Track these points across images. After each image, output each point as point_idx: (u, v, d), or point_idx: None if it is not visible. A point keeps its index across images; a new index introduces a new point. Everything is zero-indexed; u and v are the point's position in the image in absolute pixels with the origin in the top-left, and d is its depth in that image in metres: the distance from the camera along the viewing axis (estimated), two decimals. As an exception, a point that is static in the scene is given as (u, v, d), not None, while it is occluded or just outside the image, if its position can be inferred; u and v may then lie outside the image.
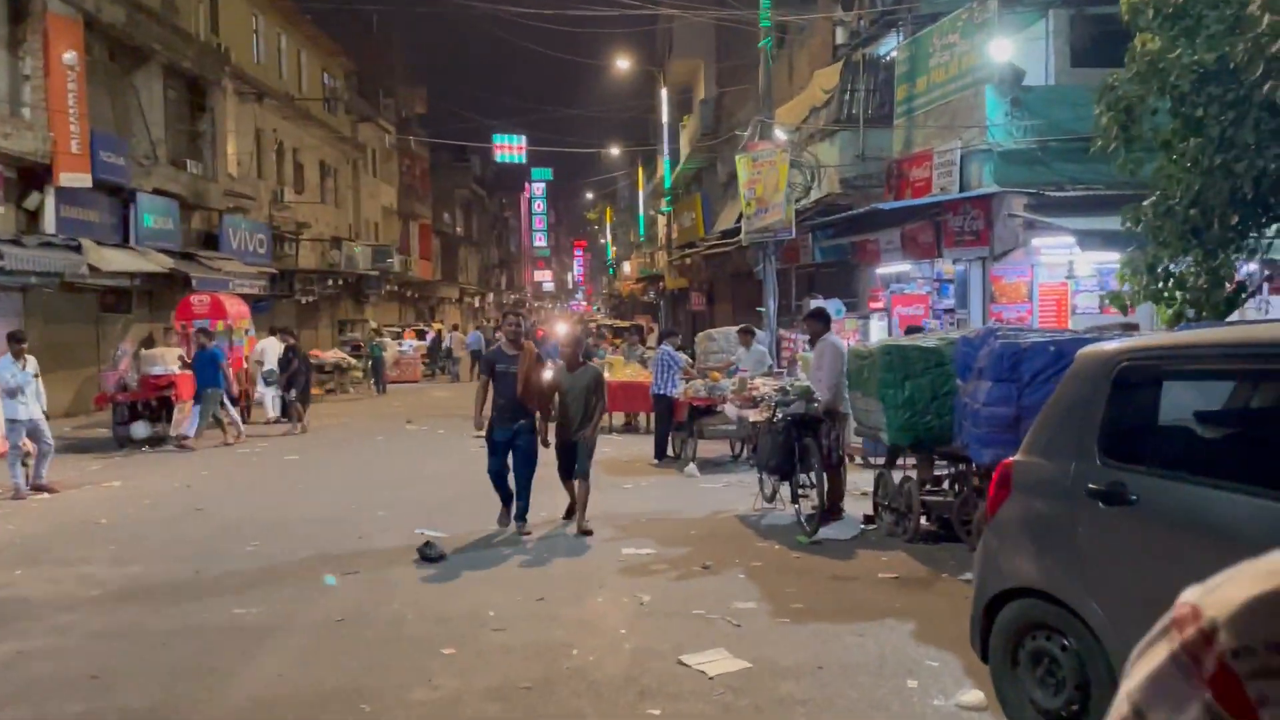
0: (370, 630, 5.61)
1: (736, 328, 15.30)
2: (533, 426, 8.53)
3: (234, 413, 15.55)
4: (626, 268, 55.82)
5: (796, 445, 7.85)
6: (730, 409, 9.98)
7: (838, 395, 8.27)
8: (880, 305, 15.17)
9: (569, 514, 8.86)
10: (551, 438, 8.57)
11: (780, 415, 7.97)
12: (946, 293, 16.07)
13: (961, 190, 13.78)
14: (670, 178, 33.83)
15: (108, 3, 20.03)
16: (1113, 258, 13.45)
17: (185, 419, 15.24)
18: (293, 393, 16.78)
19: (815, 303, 16.08)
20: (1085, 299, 13.82)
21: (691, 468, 11.35)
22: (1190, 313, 7.56)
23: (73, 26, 18.82)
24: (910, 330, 12.29)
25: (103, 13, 19.81)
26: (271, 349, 17.97)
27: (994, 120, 13.50)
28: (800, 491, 8.16)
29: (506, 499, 8.59)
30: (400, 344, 29.77)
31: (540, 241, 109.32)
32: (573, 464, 8.62)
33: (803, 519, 8.05)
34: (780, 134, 16.83)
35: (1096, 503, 3.57)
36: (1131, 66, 7.35)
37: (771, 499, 8.81)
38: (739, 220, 21.88)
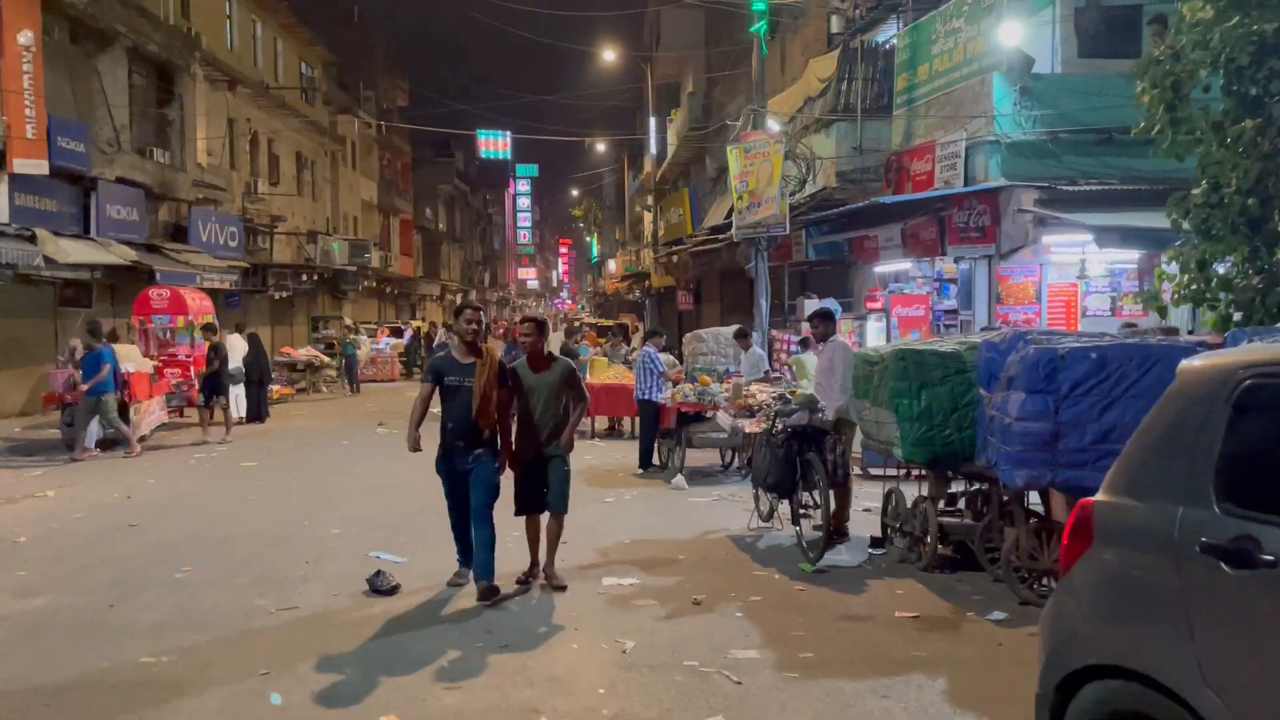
0: (299, 688, 4.73)
1: (728, 329, 14.48)
2: (495, 453, 6.56)
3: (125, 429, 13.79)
4: (612, 265, 54.95)
5: (798, 460, 7.01)
6: (724, 418, 9.09)
7: (848, 404, 7.44)
8: (878, 306, 14.36)
9: (525, 577, 6.67)
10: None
11: (780, 426, 7.13)
12: (947, 293, 15.29)
13: (966, 184, 13.00)
14: (656, 173, 33.00)
15: (67, -19, 19.01)
16: (1129, 257, 12.74)
17: (143, 420, 14.30)
18: (217, 398, 15.21)
19: (811, 302, 15.27)
20: (1096, 300, 13.07)
21: (679, 479, 10.49)
22: (1237, 316, 6.78)
23: (29, 6, 17.77)
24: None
25: (61, -9, 18.79)
26: (237, 347, 17.01)
27: (1002, 110, 12.73)
28: (802, 511, 7.32)
29: (467, 550, 6.62)
30: (375, 342, 28.77)
31: (525, 239, 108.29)
32: (538, 493, 6.58)
33: (804, 543, 7.21)
34: (774, 125, 16.01)
35: (1215, 562, 2.74)
36: (1179, 39, 6.54)
37: (768, 518, 7.98)
38: (729, 216, 21.05)
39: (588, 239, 78.62)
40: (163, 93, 24.09)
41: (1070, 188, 11.95)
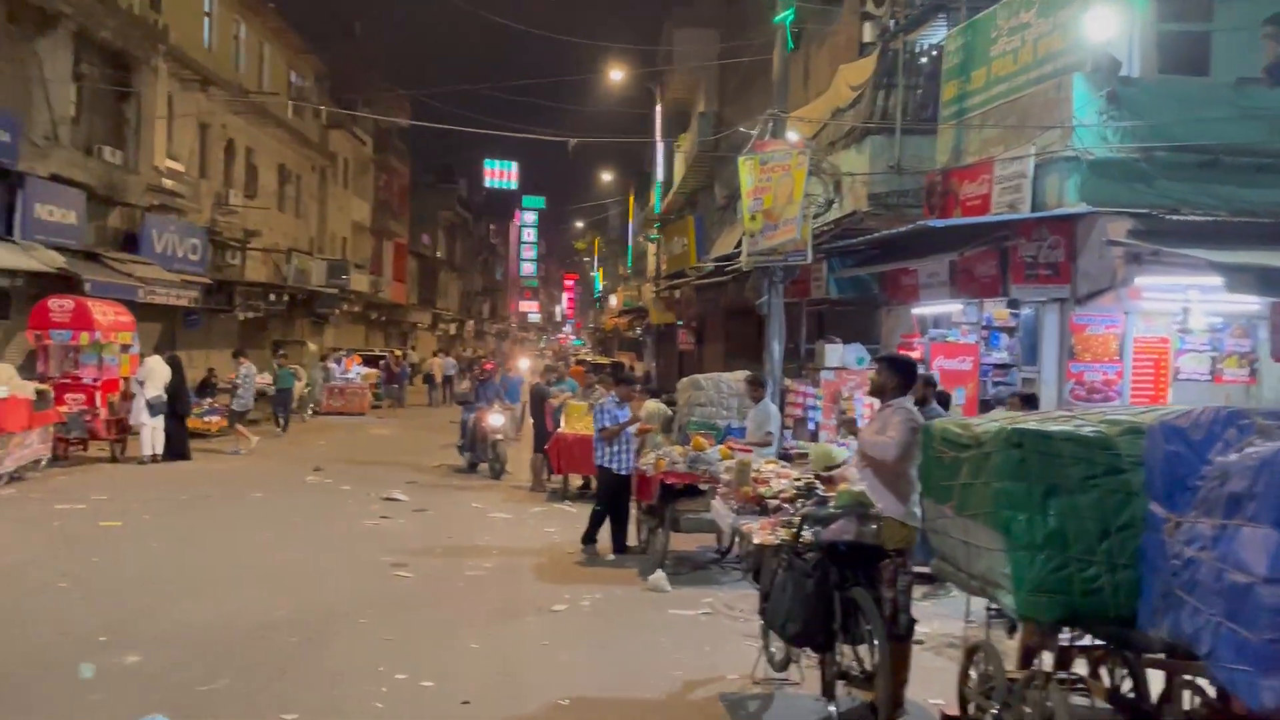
0: None
1: (733, 375, 11.94)
2: None
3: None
4: (613, 301, 52.55)
5: (838, 597, 4.45)
6: (720, 511, 6.33)
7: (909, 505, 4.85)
8: (916, 355, 11.76)
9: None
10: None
11: (809, 538, 4.57)
12: (996, 343, 12.76)
13: (1034, 210, 10.50)
14: (661, 202, 30.65)
15: (-1, -51, 16.76)
16: (1233, 309, 10.24)
17: (8, 456, 11.73)
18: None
19: (834, 347, 12.74)
20: (1192, 361, 10.54)
21: (659, 578, 7.85)
22: None
23: (-56, -32, 15.51)
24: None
25: (-9, -41, 16.52)
26: (157, 371, 14.47)
27: (1083, 120, 10.24)
28: (838, 667, 4.71)
29: None
30: (344, 371, 26.18)
31: (529, 271, 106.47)
32: None
33: (840, 720, 4.60)
34: (794, 135, 13.57)
35: None
36: None
37: (784, 666, 5.37)
38: (737, 246, 18.58)
39: (592, 274, 76.50)
40: (118, 87, 21.79)
41: (1176, 217, 9.44)
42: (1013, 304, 12.49)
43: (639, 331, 41.29)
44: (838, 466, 5.55)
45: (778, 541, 4.86)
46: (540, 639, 6.40)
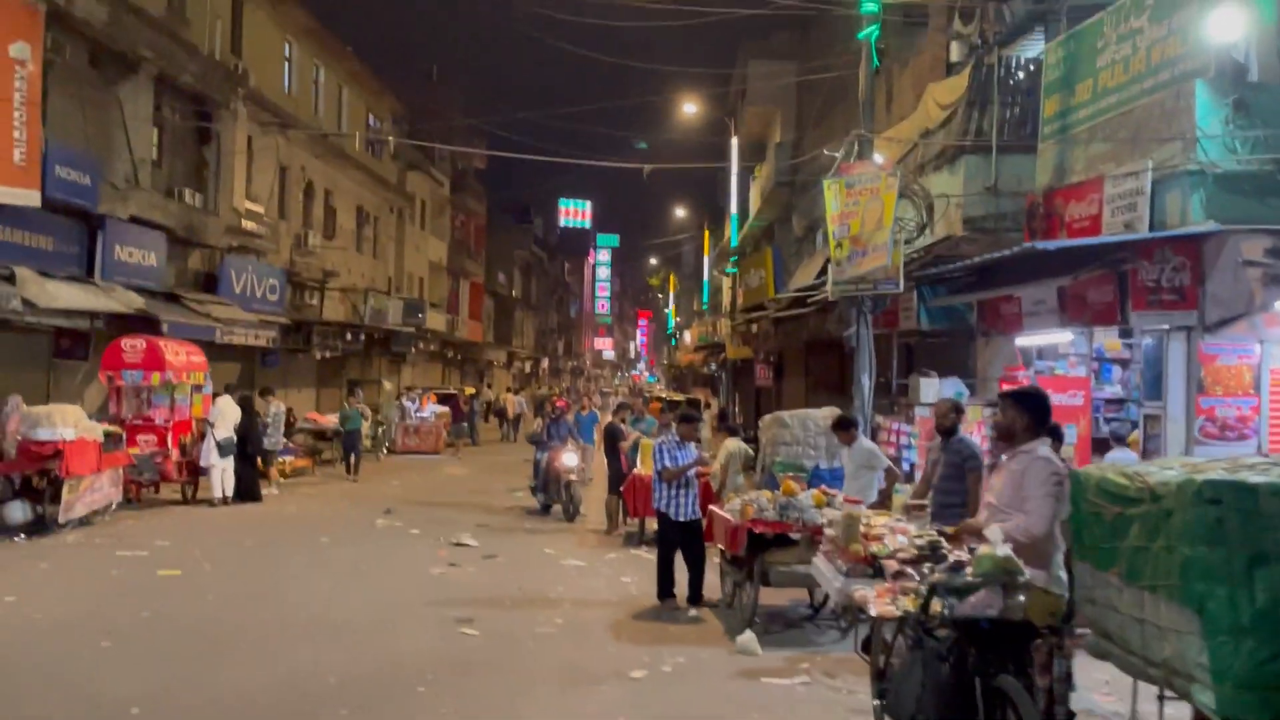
0: None
1: (819, 411, 11.16)
2: None
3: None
4: (687, 337, 51.92)
5: (980, 686, 3.68)
6: (824, 571, 5.44)
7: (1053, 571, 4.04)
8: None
9: None
10: None
11: (943, 614, 3.81)
12: (1109, 376, 11.75)
13: (1152, 229, 9.57)
14: (738, 235, 30.00)
15: (84, -5, 17.01)
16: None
17: (78, 500, 11.52)
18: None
19: (929, 381, 11.87)
20: (1337, 395, 9.42)
21: (747, 639, 7.08)
22: None
23: (30, 14, 15.71)
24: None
25: (75, 5, 16.74)
26: (227, 412, 14.25)
27: (1207, 130, 9.31)
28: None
29: None
30: (419, 410, 25.93)
31: (603, 309, 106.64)
32: None
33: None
34: (879, 158, 12.83)
35: None
36: None
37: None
38: (819, 276, 17.79)
39: (665, 310, 76.11)
40: (200, 131, 22.08)
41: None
42: (1125, 333, 11.51)
43: (714, 367, 40.55)
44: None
45: (900, 613, 4.09)
46: (618, 712, 5.69)
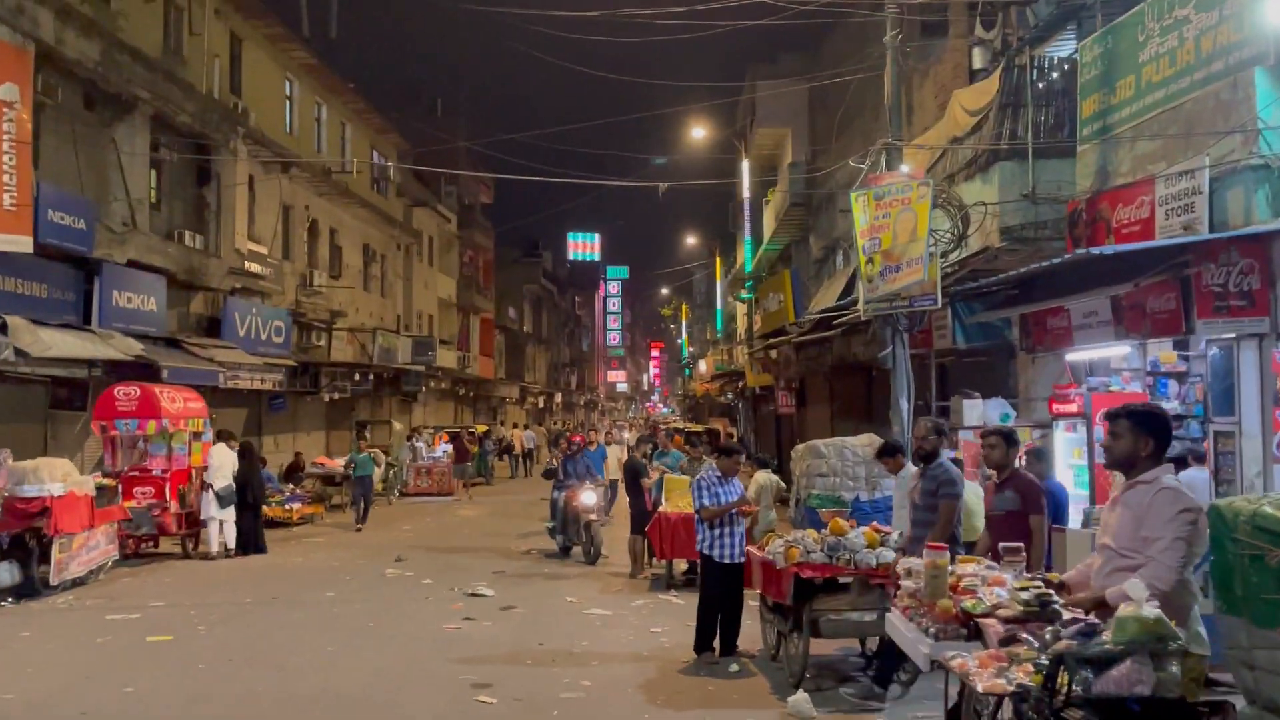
0: None
1: (856, 440, 10.40)
2: None
3: None
4: (702, 366, 51.17)
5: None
6: (907, 634, 4.56)
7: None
8: (1073, 408, 10.06)
9: None
10: None
11: (1075, 691, 3.04)
12: (1164, 390, 10.94)
13: (1212, 230, 8.83)
14: (752, 260, 29.32)
15: (74, 35, 16.54)
16: None
17: (72, 559, 10.81)
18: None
19: (972, 404, 11.10)
20: None
21: (800, 701, 6.26)
22: None
23: (18, 55, 15.23)
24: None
25: (66, 45, 16.29)
26: (224, 459, 13.57)
27: (1269, 121, 8.61)
28: None
29: None
30: (430, 449, 25.21)
31: (615, 341, 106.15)
32: None
33: None
34: (906, 169, 12.15)
35: None
36: None
37: None
38: (842, 297, 17.08)
39: (678, 340, 75.44)
40: (198, 171, 21.61)
41: None
42: (1179, 344, 10.73)
43: (729, 396, 39.75)
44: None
45: (1012, 688, 3.31)
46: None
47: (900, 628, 4.63)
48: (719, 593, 7.91)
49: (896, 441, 8.87)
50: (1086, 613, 3.61)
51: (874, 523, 7.53)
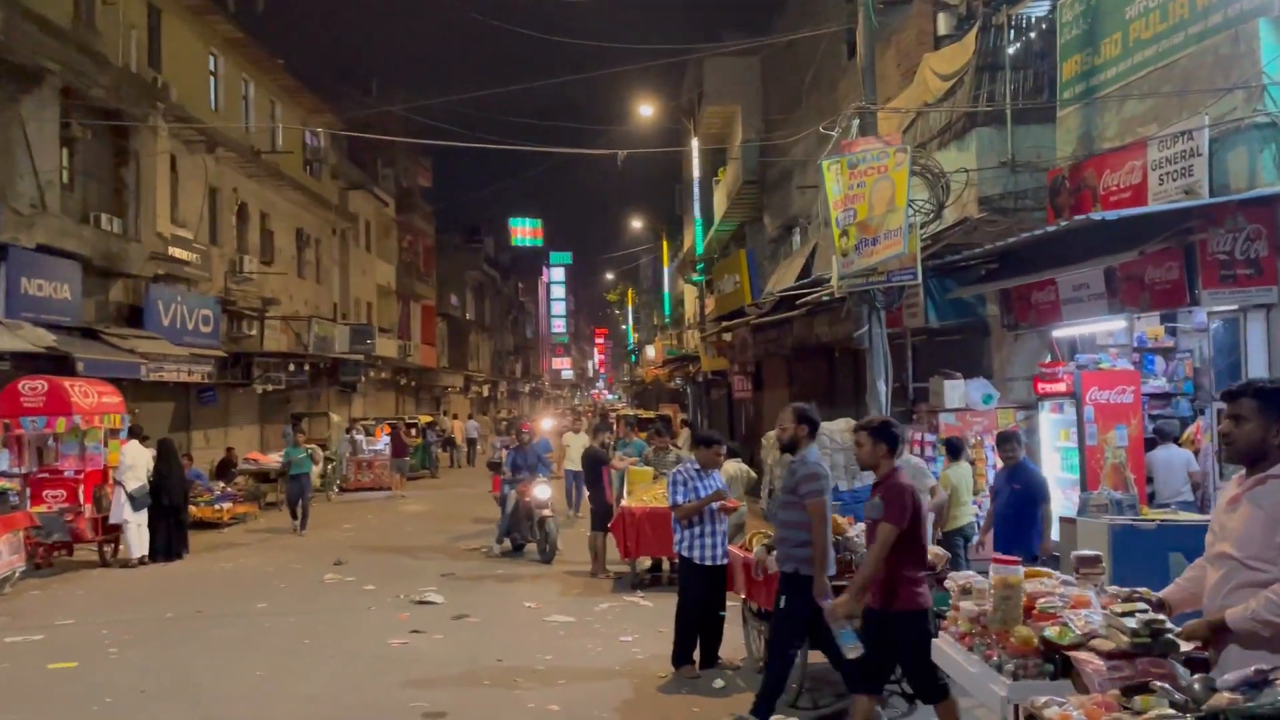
0: None
1: (834, 424, 9.70)
2: None
3: None
4: (650, 352, 50.40)
5: None
6: (966, 665, 3.63)
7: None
8: (1060, 387, 9.47)
9: None
10: None
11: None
12: (1150, 367, 10.44)
13: (1212, 194, 8.26)
14: (703, 242, 28.57)
15: (-29, 1, 15.14)
16: None
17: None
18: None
19: (953, 384, 10.47)
20: None
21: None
22: None
23: (-96, 21, 13.87)
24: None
25: (-40, 12, 14.90)
26: (138, 458, 12.42)
27: (1275, 76, 8.04)
28: None
29: None
30: (372, 441, 24.10)
31: (559, 328, 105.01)
32: None
33: None
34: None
35: None
36: None
37: None
38: (802, 277, 16.40)
39: (623, 326, 74.64)
40: (116, 150, 20.17)
41: None
42: (1167, 318, 10.21)
43: (679, 382, 39.06)
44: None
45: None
46: None
47: (957, 659, 3.84)
48: (699, 598, 7.13)
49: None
50: (1204, 644, 2.91)
51: (850, 516, 6.83)
